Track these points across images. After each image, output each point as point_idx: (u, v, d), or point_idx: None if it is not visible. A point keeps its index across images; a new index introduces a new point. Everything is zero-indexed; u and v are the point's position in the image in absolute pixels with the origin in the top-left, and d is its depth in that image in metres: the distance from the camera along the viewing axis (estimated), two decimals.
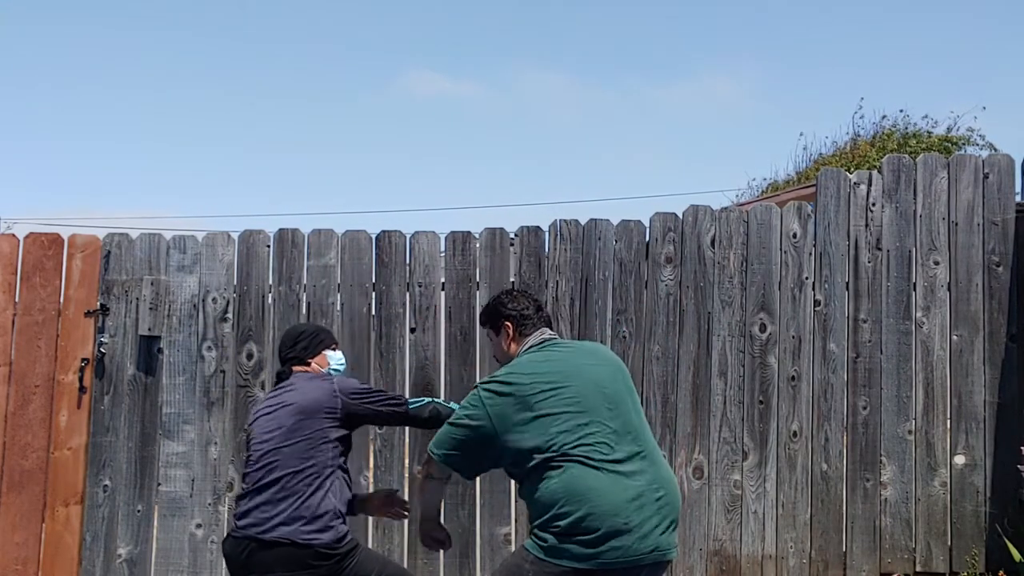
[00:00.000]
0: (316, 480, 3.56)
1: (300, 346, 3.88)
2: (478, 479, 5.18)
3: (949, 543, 5.25)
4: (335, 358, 3.95)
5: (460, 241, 5.28)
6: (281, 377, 3.89)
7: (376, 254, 5.26)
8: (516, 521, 5.16)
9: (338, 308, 5.21)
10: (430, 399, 4.00)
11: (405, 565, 5.12)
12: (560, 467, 3.17)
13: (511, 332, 3.53)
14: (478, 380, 5.14)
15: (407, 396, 4.63)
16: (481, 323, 3.73)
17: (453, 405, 3.73)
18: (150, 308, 5.16)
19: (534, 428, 3.21)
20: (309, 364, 3.87)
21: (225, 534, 5.10)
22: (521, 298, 3.59)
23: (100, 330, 5.16)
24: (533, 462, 3.19)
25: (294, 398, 3.65)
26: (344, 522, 3.64)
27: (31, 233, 5.23)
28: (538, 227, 5.30)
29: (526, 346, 3.48)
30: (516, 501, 5.17)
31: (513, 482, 5.12)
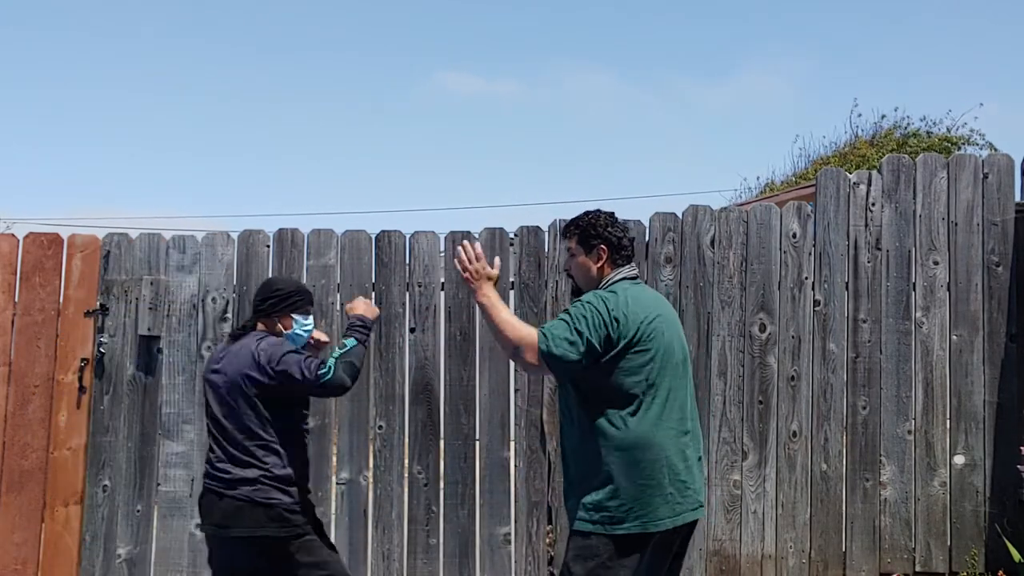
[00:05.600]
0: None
1: (269, 303, 3.81)
2: (477, 479, 5.19)
3: (949, 543, 5.25)
4: (300, 322, 3.85)
5: (460, 241, 5.26)
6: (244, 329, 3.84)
7: (376, 254, 5.26)
8: (516, 521, 5.16)
9: (338, 308, 5.21)
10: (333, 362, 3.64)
11: (405, 565, 5.13)
12: None
13: (604, 256, 3.48)
14: (478, 384, 5.15)
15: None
16: (564, 235, 3.61)
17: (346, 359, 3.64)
18: (150, 308, 5.15)
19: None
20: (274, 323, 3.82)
21: None
22: (619, 225, 3.54)
23: (100, 330, 5.16)
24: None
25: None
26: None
27: (31, 233, 5.23)
28: (538, 227, 5.30)
29: (619, 276, 3.47)
30: (516, 501, 5.17)
31: (513, 481, 5.14)
